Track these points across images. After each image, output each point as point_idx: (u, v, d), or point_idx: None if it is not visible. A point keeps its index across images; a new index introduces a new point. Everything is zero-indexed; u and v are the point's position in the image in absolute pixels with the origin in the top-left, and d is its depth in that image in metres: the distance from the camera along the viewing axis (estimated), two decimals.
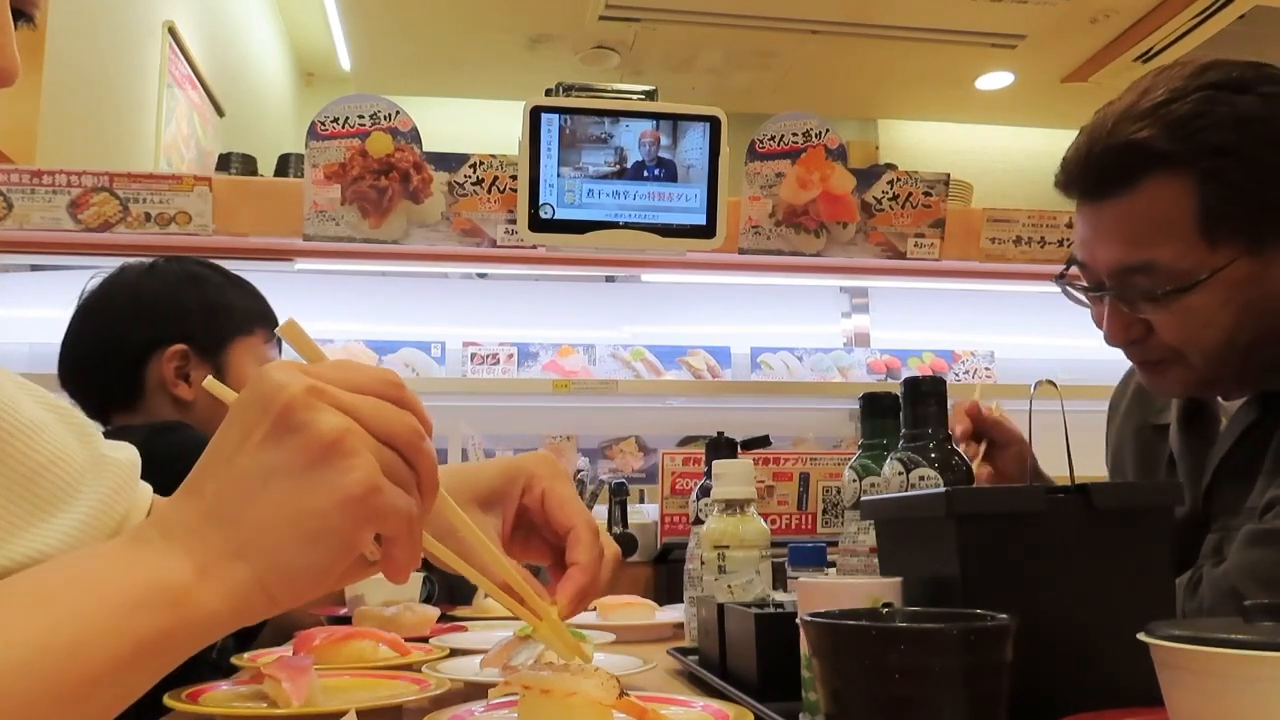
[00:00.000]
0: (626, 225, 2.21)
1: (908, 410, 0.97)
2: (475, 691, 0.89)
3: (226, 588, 0.49)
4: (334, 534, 0.50)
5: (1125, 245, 1.07)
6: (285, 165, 2.83)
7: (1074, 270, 1.16)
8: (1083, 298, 1.15)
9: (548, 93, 2.27)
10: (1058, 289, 1.18)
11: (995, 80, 5.62)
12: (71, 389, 1.57)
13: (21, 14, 0.67)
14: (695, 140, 2.20)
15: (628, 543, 2.07)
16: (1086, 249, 1.12)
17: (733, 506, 1.15)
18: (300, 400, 0.49)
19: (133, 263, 1.65)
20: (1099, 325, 1.14)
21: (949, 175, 2.51)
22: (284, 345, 1.68)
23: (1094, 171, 1.10)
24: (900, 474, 0.94)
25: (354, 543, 0.51)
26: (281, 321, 0.55)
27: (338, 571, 0.52)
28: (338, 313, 2.78)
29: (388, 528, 0.51)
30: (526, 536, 0.77)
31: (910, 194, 2.46)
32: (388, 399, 0.52)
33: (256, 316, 1.63)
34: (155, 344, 1.53)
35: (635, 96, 2.35)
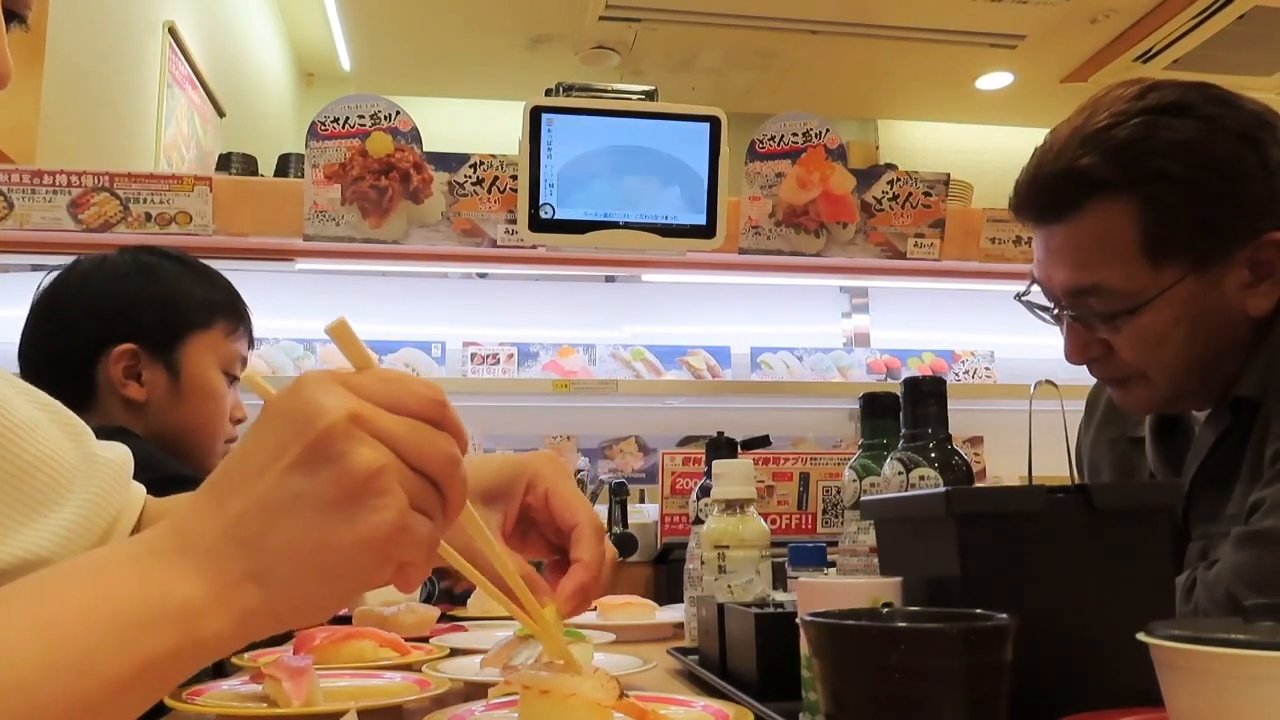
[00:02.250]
0: (626, 225, 2.21)
1: (908, 410, 0.97)
2: (475, 691, 0.89)
3: (237, 611, 0.48)
4: (353, 571, 0.49)
5: (1075, 268, 1.10)
6: (285, 165, 2.83)
7: (1035, 289, 1.18)
8: (1044, 315, 1.18)
9: (548, 93, 2.27)
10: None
11: (995, 80, 5.62)
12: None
13: (14, 16, 0.67)
14: (695, 140, 2.20)
15: (628, 543, 2.07)
16: (1042, 270, 1.15)
17: (733, 506, 1.15)
18: (340, 429, 0.48)
19: (88, 256, 1.55)
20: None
21: (949, 175, 2.51)
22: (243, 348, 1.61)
23: (1041, 197, 1.12)
24: (900, 474, 0.94)
25: (372, 580, 0.50)
26: (334, 319, 0.53)
27: (350, 602, 0.52)
28: (338, 313, 2.75)
29: (407, 557, 0.50)
30: (525, 533, 0.77)
31: (910, 194, 2.46)
32: (429, 420, 0.51)
33: (218, 307, 1.53)
34: (104, 343, 1.45)
35: (635, 96, 2.35)
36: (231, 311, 1.55)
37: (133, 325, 1.46)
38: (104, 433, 1.41)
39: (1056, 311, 1.15)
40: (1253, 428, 1.08)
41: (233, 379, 1.54)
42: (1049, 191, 1.11)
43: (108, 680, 0.45)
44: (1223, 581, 0.98)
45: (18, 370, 1.51)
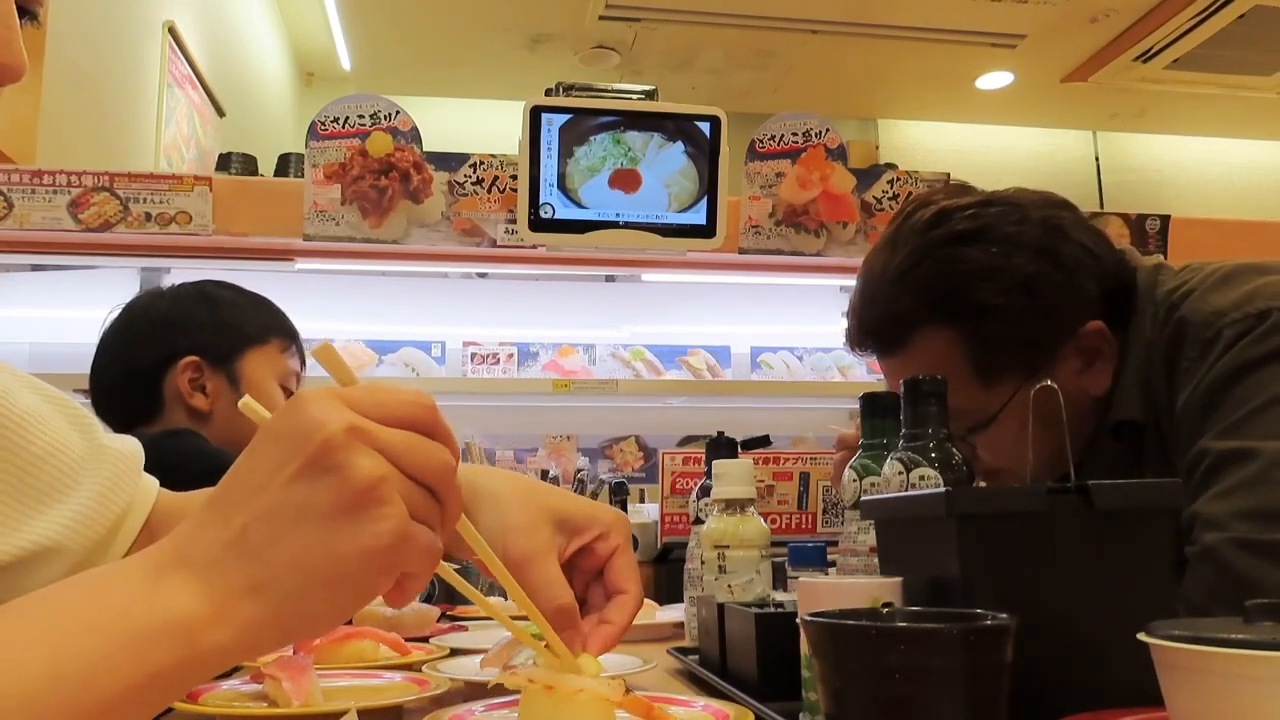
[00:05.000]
0: (626, 225, 2.21)
1: (908, 410, 0.96)
2: (475, 691, 0.89)
3: (241, 624, 0.48)
4: (357, 581, 0.50)
5: None
6: (285, 165, 2.83)
7: None
8: None
9: (548, 93, 2.27)
10: None
11: (995, 80, 5.62)
12: (100, 412, 1.62)
13: (26, 11, 0.67)
14: (695, 140, 2.20)
15: None
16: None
17: (733, 506, 1.15)
18: (339, 440, 0.49)
19: (152, 289, 1.72)
20: None
21: (949, 175, 2.51)
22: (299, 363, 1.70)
23: (869, 338, 1.19)
24: (900, 474, 0.94)
25: (375, 590, 0.51)
26: (319, 344, 0.54)
27: (352, 613, 0.52)
28: (338, 313, 2.79)
29: (410, 567, 0.51)
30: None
31: (910, 194, 2.46)
32: (421, 427, 0.52)
33: (272, 327, 1.64)
34: (169, 358, 1.57)
35: (635, 96, 2.35)
36: (284, 330, 1.66)
37: (195, 341, 1.59)
38: (166, 433, 1.51)
39: None
40: (1143, 448, 1.12)
41: (288, 393, 1.65)
42: (875, 334, 1.18)
43: (112, 692, 0.45)
44: (1199, 602, 0.98)
45: (57, 368, 1.60)
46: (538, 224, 2.16)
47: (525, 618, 0.66)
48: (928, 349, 1.13)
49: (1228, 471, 0.99)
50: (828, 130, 2.41)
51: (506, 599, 0.69)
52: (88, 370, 1.63)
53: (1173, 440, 1.08)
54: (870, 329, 1.18)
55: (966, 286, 1.10)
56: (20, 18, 0.66)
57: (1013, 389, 1.11)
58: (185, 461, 1.34)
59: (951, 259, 1.11)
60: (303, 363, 1.70)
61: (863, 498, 0.99)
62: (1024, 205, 1.14)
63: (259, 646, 0.50)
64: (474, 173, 2.30)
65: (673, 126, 2.21)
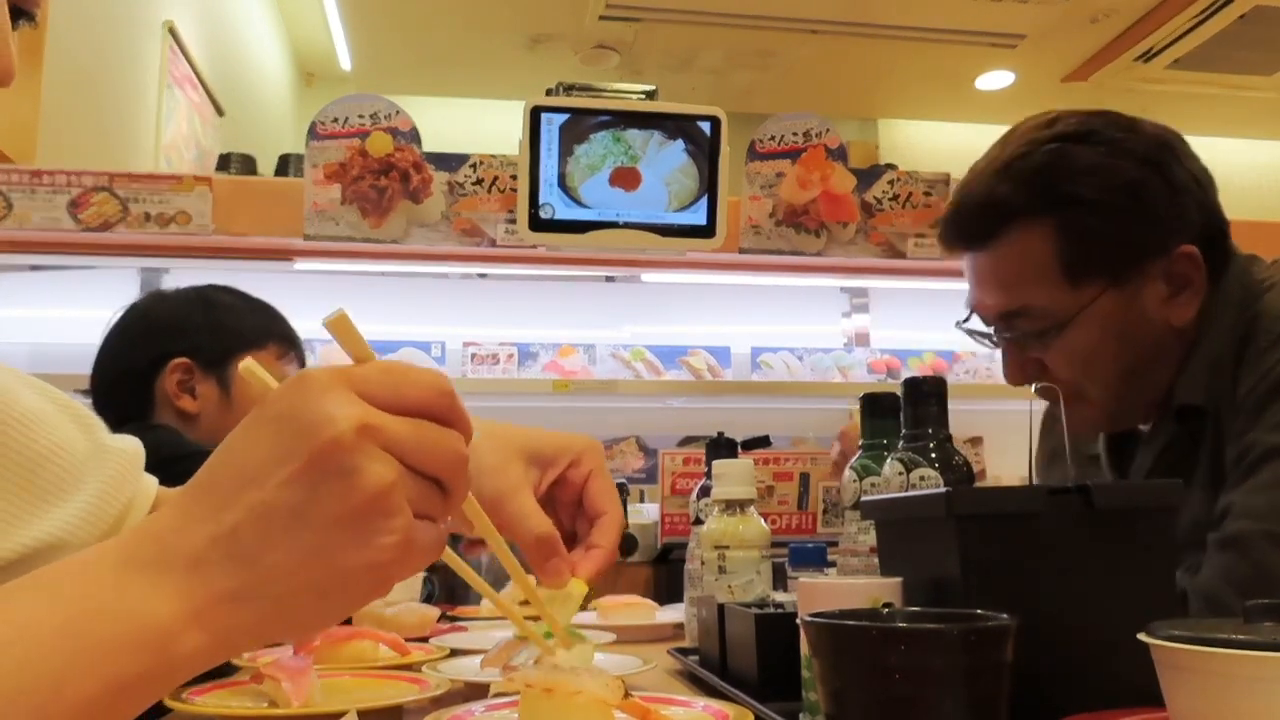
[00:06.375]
0: (626, 225, 2.21)
1: (908, 410, 0.96)
2: (475, 691, 0.89)
3: (218, 628, 0.45)
4: (352, 592, 0.47)
5: (1001, 291, 1.16)
6: (285, 165, 2.83)
7: (974, 317, 1.23)
8: (984, 340, 1.23)
9: (548, 92, 2.27)
10: None
11: (995, 80, 5.62)
12: (98, 409, 1.60)
13: (22, 13, 0.67)
14: (695, 140, 2.20)
15: (628, 543, 2.07)
16: (974, 296, 1.21)
17: (733, 506, 1.15)
18: (348, 441, 0.45)
19: (153, 291, 1.72)
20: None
21: (949, 175, 2.51)
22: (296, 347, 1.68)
23: (964, 226, 1.19)
24: (900, 474, 0.94)
25: (369, 600, 0.48)
26: (332, 312, 0.49)
27: (343, 618, 0.50)
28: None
29: (410, 572, 0.49)
30: (542, 506, 0.77)
31: (910, 194, 2.46)
32: (437, 414, 0.48)
33: (271, 332, 1.63)
34: (162, 359, 1.56)
35: (635, 96, 2.35)
36: (283, 336, 1.64)
37: (189, 343, 1.58)
38: (142, 428, 1.49)
39: (994, 336, 1.20)
40: (1202, 435, 1.11)
41: None
42: (971, 221, 1.18)
43: (80, 702, 0.43)
44: (1212, 587, 0.99)
45: (57, 369, 1.61)
46: (537, 224, 2.16)
47: (537, 617, 0.66)
48: (1019, 241, 1.13)
49: (1272, 465, 1.00)
50: (828, 130, 2.41)
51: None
52: (88, 370, 1.63)
53: (1230, 429, 1.09)
54: (967, 216, 1.18)
55: (1070, 179, 1.11)
56: (17, 19, 0.66)
57: (1097, 293, 1.11)
58: (156, 452, 1.33)
59: (1059, 153, 1.12)
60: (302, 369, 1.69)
61: (863, 498, 0.99)
62: (1140, 123, 1.16)
63: (237, 650, 0.48)
64: (474, 173, 2.30)
65: (673, 126, 2.21)
